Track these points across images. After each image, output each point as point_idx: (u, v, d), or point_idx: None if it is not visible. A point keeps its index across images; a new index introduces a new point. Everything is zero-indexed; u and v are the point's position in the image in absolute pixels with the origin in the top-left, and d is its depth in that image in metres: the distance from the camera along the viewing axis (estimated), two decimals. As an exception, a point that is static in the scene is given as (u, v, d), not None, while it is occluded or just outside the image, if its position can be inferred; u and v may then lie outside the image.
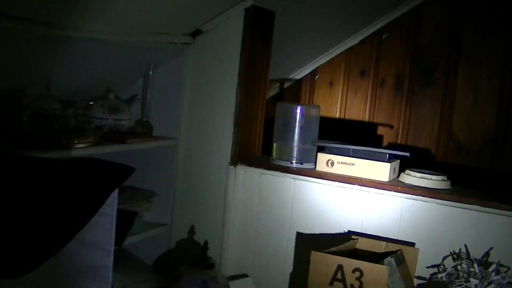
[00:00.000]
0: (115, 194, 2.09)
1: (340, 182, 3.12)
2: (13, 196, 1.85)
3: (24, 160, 2.14)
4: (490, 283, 2.65)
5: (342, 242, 2.90)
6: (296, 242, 3.23)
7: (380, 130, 4.44)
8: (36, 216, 1.83)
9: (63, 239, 1.84)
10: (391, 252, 2.86)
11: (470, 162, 4.17)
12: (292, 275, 3.25)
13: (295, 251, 3.23)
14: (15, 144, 2.49)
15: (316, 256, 2.72)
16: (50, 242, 1.81)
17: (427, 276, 2.92)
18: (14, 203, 1.83)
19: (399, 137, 4.38)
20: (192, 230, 3.39)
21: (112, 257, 2.19)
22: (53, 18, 2.47)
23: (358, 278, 2.63)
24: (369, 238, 2.99)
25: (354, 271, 2.64)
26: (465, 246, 2.85)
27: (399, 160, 3.20)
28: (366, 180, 3.07)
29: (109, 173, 2.09)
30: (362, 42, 4.48)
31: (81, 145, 2.74)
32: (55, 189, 1.92)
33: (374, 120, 4.46)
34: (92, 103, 3.18)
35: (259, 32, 3.33)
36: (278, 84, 4.69)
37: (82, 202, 1.94)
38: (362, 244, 2.96)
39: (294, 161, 3.27)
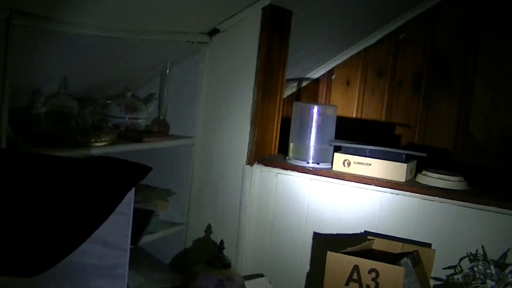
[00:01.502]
0: (131, 193, 2.09)
1: (356, 182, 3.11)
2: (29, 195, 1.86)
3: (41, 158, 2.14)
4: (506, 285, 2.64)
5: (358, 243, 2.89)
6: (312, 242, 3.23)
7: (397, 131, 4.42)
8: (52, 215, 1.83)
9: (79, 238, 1.84)
10: (407, 252, 2.85)
11: (487, 163, 4.14)
12: (308, 275, 3.24)
13: (311, 251, 3.23)
14: (32, 142, 2.50)
15: (332, 256, 2.72)
16: (66, 241, 1.81)
17: (444, 277, 2.91)
18: (30, 201, 1.84)
19: (416, 137, 4.35)
20: (208, 229, 3.39)
21: (128, 256, 2.19)
22: (70, 15, 2.48)
23: (374, 279, 2.62)
24: (385, 238, 2.98)
25: (370, 271, 2.63)
26: (482, 247, 2.83)
27: (416, 161, 3.19)
28: (382, 180, 3.06)
29: (126, 172, 2.09)
30: (379, 42, 4.46)
31: (97, 144, 2.75)
32: (72, 188, 1.92)
33: (391, 121, 4.44)
34: (109, 101, 3.19)
35: (276, 31, 3.33)
36: (294, 84, 4.69)
37: (99, 201, 1.94)
38: (378, 245, 2.95)
39: (310, 161, 3.26)
